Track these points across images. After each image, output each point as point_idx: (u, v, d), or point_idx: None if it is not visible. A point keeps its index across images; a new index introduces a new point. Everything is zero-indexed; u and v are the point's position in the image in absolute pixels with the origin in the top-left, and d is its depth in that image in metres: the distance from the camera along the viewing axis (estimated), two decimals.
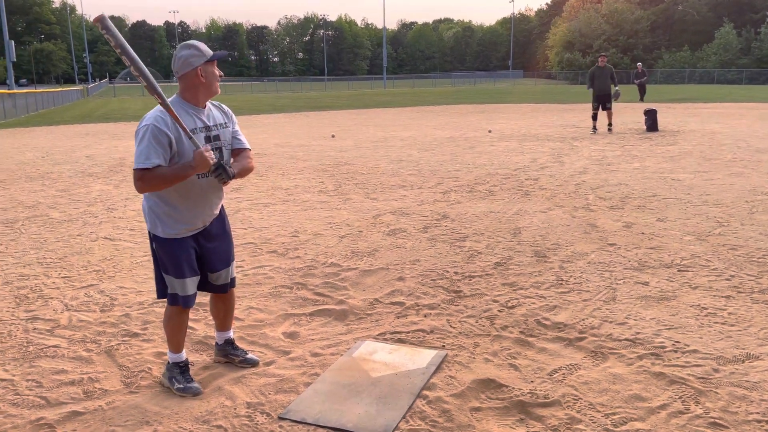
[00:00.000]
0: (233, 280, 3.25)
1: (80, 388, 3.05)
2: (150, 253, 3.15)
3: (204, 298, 4.25)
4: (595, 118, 15.26)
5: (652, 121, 15.09)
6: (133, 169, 2.71)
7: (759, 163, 9.65)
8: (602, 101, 15.04)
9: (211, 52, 2.85)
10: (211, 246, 3.08)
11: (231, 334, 3.37)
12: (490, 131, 15.93)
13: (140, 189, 2.75)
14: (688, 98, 33.02)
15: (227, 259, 3.17)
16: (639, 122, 16.84)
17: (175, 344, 3.10)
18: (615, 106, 16.03)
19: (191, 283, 3.01)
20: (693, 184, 8.02)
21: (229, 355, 3.32)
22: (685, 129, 15.69)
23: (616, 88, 14.95)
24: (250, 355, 3.34)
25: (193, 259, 3.01)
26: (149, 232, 3.02)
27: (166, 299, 3.06)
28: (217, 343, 3.37)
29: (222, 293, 3.23)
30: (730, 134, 14.22)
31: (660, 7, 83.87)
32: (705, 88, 51.65)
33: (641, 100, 28.46)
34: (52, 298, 4.29)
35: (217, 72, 2.89)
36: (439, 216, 6.51)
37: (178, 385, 3.00)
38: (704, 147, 11.87)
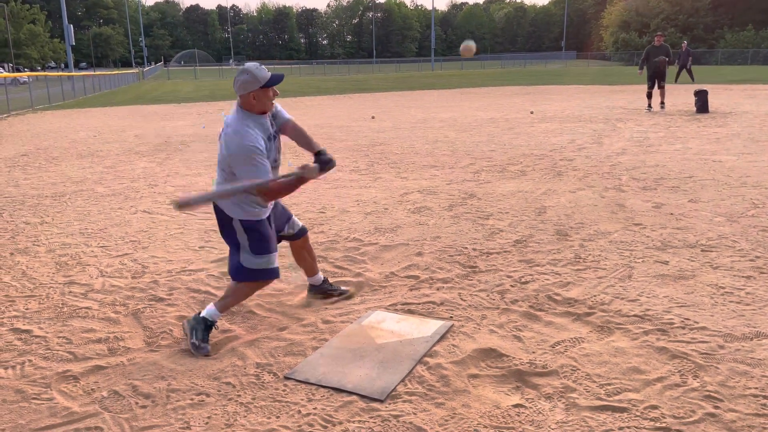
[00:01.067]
0: (303, 227, 3.82)
1: (106, 346, 3.28)
2: (221, 237, 3.44)
3: (225, 267, 4.46)
4: (650, 96, 15.48)
5: (702, 102, 14.57)
6: (260, 187, 3.09)
7: None
8: (657, 78, 15.20)
9: (266, 78, 3.13)
10: (275, 212, 3.55)
11: (321, 275, 3.93)
12: (532, 112, 15.71)
13: (269, 199, 3.25)
14: (748, 80, 31.56)
15: (288, 214, 3.75)
16: (690, 104, 16.27)
17: (228, 308, 3.42)
18: (669, 87, 15.93)
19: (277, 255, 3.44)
20: (734, 165, 7.77)
21: (327, 291, 3.91)
22: (738, 110, 15.08)
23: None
24: (344, 288, 4.01)
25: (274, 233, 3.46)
26: (237, 221, 3.26)
27: (250, 281, 3.36)
28: (313, 286, 3.91)
29: (299, 239, 3.77)
30: None
31: None
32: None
33: (692, 80, 27.51)
34: (89, 265, 4.58)
35: (272, 93, 3.20)
36: (466, 195, 6.54)
37: (193, 340, 3.20)
38: (754, 129, 11.41)
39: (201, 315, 3.28)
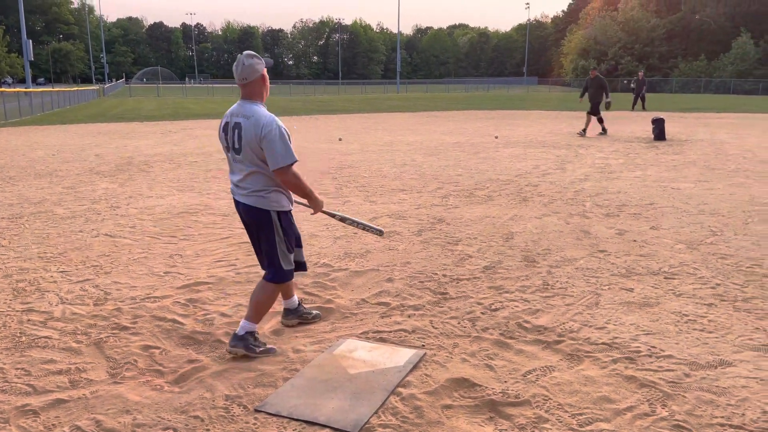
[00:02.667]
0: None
1: (67, 378, 3.15)
2: (248, 239, 3.59)
3: (191, 294, 4.36)
4: (601, 121, 16.68)
5: (659, 130, 15.06)
6: (288, 165, 3.19)
7: (762, 174, 9.63)
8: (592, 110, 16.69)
9: (269, 62, 3.38)
10: None
11: (297, 297, 3.90)
12: (496, 137, 15.98)
13: (293, 179, 3.25)
14: (701, 108, 32.82)
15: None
16: (647, 131, 16.81)
17: (261, 317, 3.50)
18: (613, 114, 16.77)
19: None
20: (692, 193, 8.03)
21: (303, 315, 3.88)
22: (694, 138, 15.64)
23: (608, 99, 16.45)
24: (315, 311, 3.97)
25: None
26: (274, 213, 3.35)
27: (275, 281, 3.46)
28: (288, 310, 3.85)
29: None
30: (738, 144, 14.17)
31: (677, 15, 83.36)
32: (720, 98, 51.27)
33: (644, 109, 28.66)
34: (48, 291, 4.42)
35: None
36: (434, 220, 6.58)
37: (261, 349, 3.42)
38: (710, 157, 11.84)
39: (242, 333, 3.40)
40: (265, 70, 3.35)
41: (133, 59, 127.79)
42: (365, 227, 3.85)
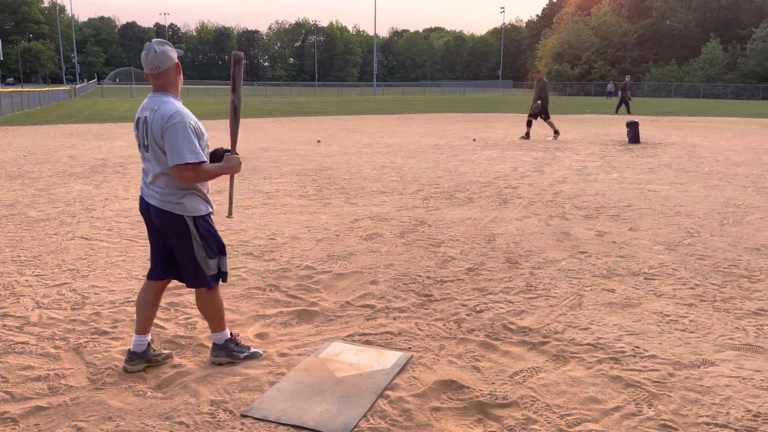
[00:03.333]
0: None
1: (46, 384, 3.07)
2: (180, 246, 3.13)
3: (172, 298, 4.29)
4: (529, 125, 16.85)
5: (633, 133, 15.31)
6: (185, 163, 2.91)
7: (734, 176, 9.84)
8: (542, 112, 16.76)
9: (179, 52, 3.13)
10: None
11: (150, 336, 3.34)
12: (474, 140, 16.07)
13: (192, 179, 2.99)
14: (673, 112, 33.44)
15: None
16: (622, 134, 17.06)
17: (222, 322, 3.33)
18: (598, 118, 16.93)
19: None
20: (668, 195, 8.16)
21: (152, 358, 3.28)
22: (667, 141, 15.92)
23: (537, 102, 16.70)
24: (167, 352, 3.40)
25: None
26: (190, 218, 3.09)
27: (205, 286, 3.22)
28: (135, 353, 3.23)
29: (165, 280, 3.34)
30: (710, 147, 14.47)
31: (648, 21, 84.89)
32: (691, 102, 52.33)
33: (629, 112, 29.00)
34: (23, 295, 4.30)
35: None
36: (416, 222, 6.58)
37: (245, 354, 3.33)
38: (683, 159, 12.07)
39: (221, 343, 3.31)
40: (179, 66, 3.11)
41: (105, 59, 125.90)
42: (230, 199, 3.45)
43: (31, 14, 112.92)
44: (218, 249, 3.24)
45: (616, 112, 29.90)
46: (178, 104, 3.00)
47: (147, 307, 3.27)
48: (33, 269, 4.91)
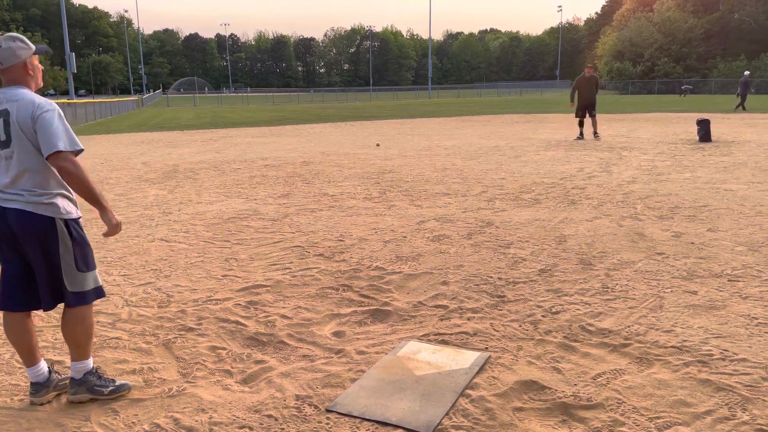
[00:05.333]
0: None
1: (141, 377, 3.23)
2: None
3: (251, 296, 4.42)
4: (581, 124, 16.21)
5: (704, 132, 14.72)
6: (66, 151, 2.63)
7: None
8: (587, 108, 15.97)
9: (34, 46, 2.82)
10: None
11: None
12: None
13: (72, 168, 2.64)
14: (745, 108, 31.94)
15: None
16: (691, 132, 16.45)
17: (88, 348, 2.95)
18: (663, 116, 16.30)
19: None
20: (746, 194, 7.82)
21: (59, 384, 3.01)
22: (740, 139, 15.24)
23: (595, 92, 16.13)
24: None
25: None
26: (62, 221, 2.75)
27: (79, 305, 2.86)
28: (38, 384, 2.94)
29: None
30: None
31: (715, 15, 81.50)
32: (763, 98, 49.85)
33: (743, 108, 28.86)
34: (113, 294, 4.53)
35: (40, 66, 2.90)
36: (483, 223, 6.55)
37: (110, 388, 2.95)
38: (760, 158, 11.52)
39: (79, 377, 2.92)
40: (36, 58, 2.83)
41: (169, 70, 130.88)
42: None
43: (100, 28, 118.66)
44: (92, 259, 2.92)
45: (735, 109, 29.61)
46: (40, 97, 2.74)
47: (20, 338, 2.89)
48: (119, 269, 5.16)
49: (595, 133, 16.15)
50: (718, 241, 5.62)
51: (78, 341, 2.91)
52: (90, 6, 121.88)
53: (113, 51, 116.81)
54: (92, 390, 2.93)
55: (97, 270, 2.98)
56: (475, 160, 12.08)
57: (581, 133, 16.21)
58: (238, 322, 3.95)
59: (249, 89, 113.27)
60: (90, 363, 2.97)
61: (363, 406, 2.92)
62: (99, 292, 2.95)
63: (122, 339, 3.71)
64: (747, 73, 31.51)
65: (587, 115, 15.96)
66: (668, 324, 3.77)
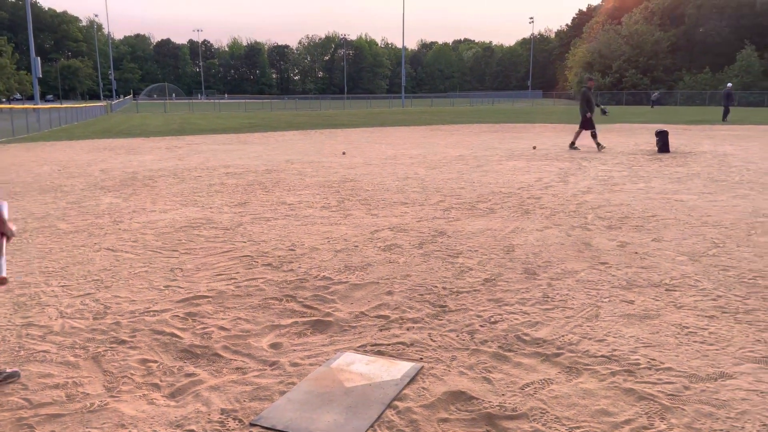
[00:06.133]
0: None
1: (63, 392, 3.15)
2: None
3: (191, 308, 4.37)
4: (595, 136, 16.15)
5: (663, 143, 15.05)
6: None
7: (765, 185, 9.59)
8: (582, 121, 16.26)
9: None
10: None
11: None
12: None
13: None
14: (706, 120, 32.77)
15: None
16: (652, 143, 16.79)
17: None
18: (628, 127, 16.65)
19: None
20: (695, 205, 8.00)
21: None
22: (697, 150, 15.61)
23: (602, 107, 16.08)
24: (11, 370, 3.25)
25: None
26: None
27: None
28: None
29: None
30: (742, 156, 14.13)
31: (681, 28, 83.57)
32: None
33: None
34: (48, 305, 4.43)
35: None
36: (436, 232, 6.58)
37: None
38: (713, 169, 11.81)
39: None
40: None
41: (140, 76, 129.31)
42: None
43: (70, 33, 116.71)
44: None
45: (723, 120, 30.55)
46: None
47: None
48: (59, 280, 5.05)
49: (573, 142, 16.42)
50: (662, 251, 5.73)
51: None
52: (59, 10, 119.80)
53: (83, 56, 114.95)
54: None
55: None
56: (438, 169, 12.15)
57: (599, 144, 15.99)
58: (173, 334, 3.89)
59: (227, 96, 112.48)
60: None
61: (288, 419, 2.89)
62: None
63: (50, 352, 3.62)
64: (730, 85, 32.52)
65: (580, 126, 16.22)
66: (601, 333, 3.82)
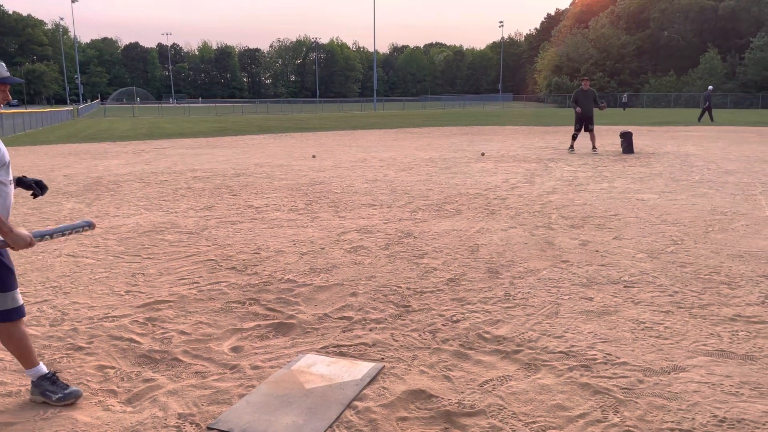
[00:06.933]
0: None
1: (17, 400, 3.08)
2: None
3: (151, 313, 4.32)
4: (575, 138, 16.21)
5: (627, 144, 15.34)
6: None
7: (724, 185, 9.85)
8: (585, 122, 15.98)
9: (5, 71, 2.84)
10: None
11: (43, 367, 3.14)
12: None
13: None
14: (671, 122, 33.53)
15: None
16: (617, 145, 17.10)
17: (30, 357, 3.08)
18: (597, 128, 16.88)
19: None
20: (656, 204, 8.18)
21: (46, 392, 3.07)
22: (661, 151, 15.95)
23: (603, 103, 15.99)
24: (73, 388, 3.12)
25: None
26: None
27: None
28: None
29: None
30: (704, 156, 14.49)
31: (646, 32, 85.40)
32: (690, 111, 52.43)
33: (711, 120, 31.08)
34: None
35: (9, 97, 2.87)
36: (402, 234, 6.60)
37: (58, 395, 3.02)
38: (675, 169, 12.09)
39: (35, 381, 3.08)
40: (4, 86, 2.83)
41: (108, 80, 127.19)
42: (76, 228, 3.13)
43: (34, 36, 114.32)
44: (11, 281, 2.98)
45: (699, 120, 31.92)
46: None
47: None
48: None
49: (594, 147, 15.88)
50: (622, 248, 5.84)
51: (17, 352, 3.07)
52: (24, 13, 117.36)
53: (48, 60, 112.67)
54: (43, 394, 3.05)
55: (18, 290, 3.04)
56: (407, 171, 12.20)
57: (572, 146, 16.06)
58: (132, 340, 3.83)
59: (201, 100, 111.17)
60: (40, 369, 3.09)
61: (246, 422, 2.87)
62: (20, 311, 3.02)
63: (4, 360, 3.54)
64: (710, 88, 33.55)
65: (584, 129, 15.88)
66: (560, 330, 3.88)
